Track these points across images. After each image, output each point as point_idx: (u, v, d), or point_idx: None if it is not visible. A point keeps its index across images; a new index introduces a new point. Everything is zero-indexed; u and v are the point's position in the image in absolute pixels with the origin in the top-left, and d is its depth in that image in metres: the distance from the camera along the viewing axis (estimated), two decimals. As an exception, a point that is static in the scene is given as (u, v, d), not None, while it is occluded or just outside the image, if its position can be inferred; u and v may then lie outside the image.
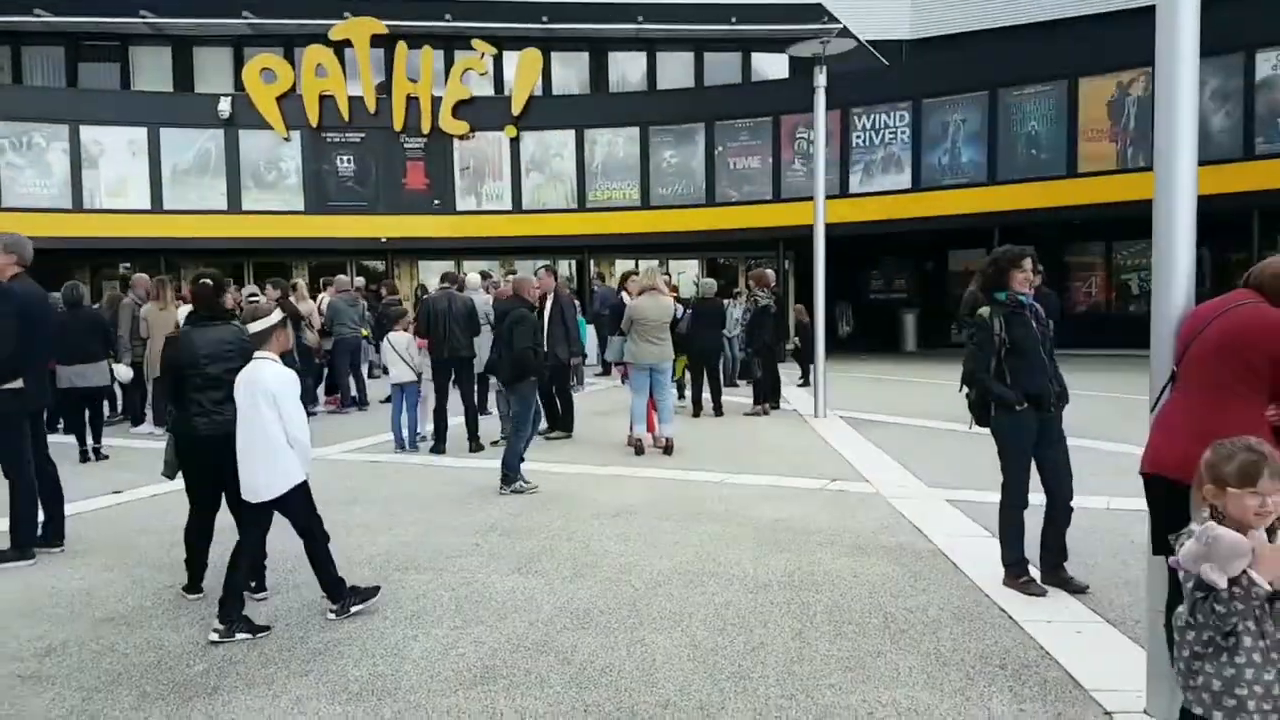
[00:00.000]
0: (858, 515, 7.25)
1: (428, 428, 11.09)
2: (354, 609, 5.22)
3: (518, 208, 23.51)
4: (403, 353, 10.60)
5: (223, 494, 5.65)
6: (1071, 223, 19.40)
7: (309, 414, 13.37)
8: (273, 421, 4.91)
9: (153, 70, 25.91)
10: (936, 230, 20.96)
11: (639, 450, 10.20)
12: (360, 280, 20.85)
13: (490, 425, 11.26)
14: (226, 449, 5.38)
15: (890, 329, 24.16)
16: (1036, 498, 5.52)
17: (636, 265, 24.21)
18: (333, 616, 5.17)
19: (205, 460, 5.50)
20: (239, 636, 4.87)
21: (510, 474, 8.36)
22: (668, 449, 10.11)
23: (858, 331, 24.64)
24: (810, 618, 5.04)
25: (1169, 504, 3.69)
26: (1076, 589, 5.35)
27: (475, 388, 11.31)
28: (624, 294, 12.00)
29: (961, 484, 8.25)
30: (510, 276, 14.61)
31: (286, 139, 23.27)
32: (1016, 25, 24.28)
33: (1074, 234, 21.47)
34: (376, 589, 5.40)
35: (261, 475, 5.00)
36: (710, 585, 5.61)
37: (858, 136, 20.67)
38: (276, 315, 5.21)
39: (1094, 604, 5.17)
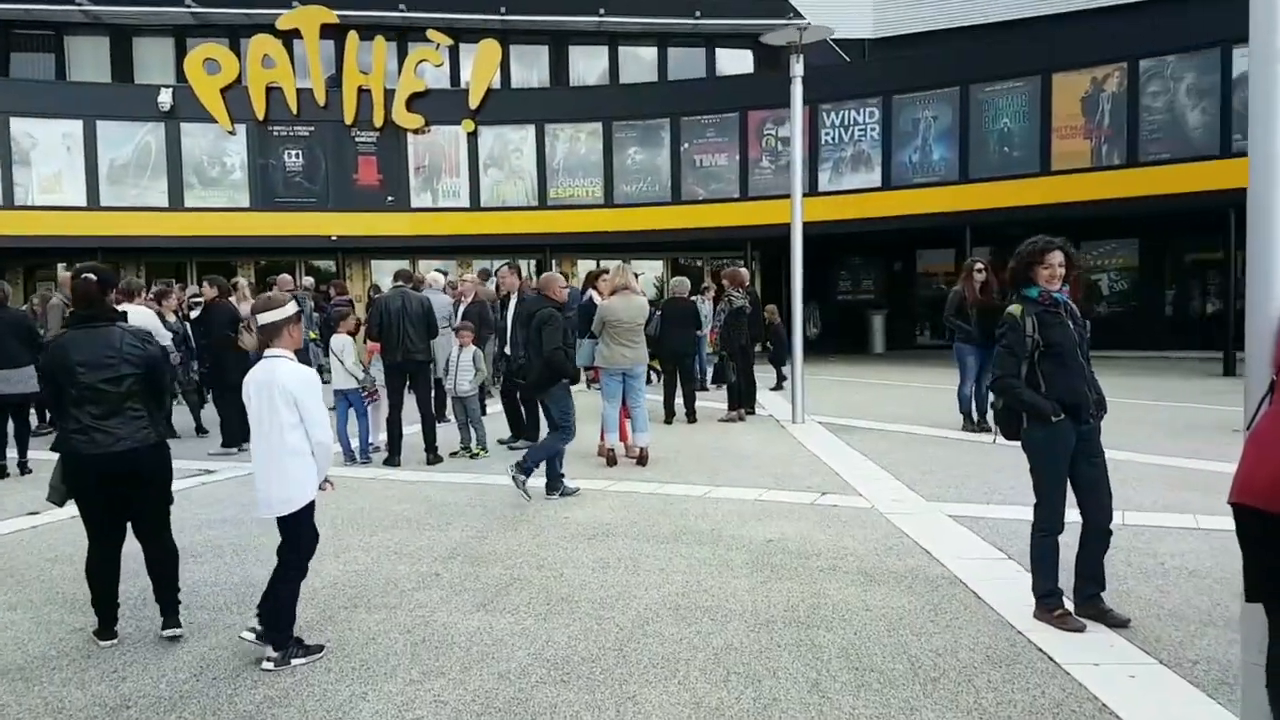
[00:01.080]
0: (856, 534, 6.61)
1: (380, 437, 10.34)
2: (295, 662, 4.48)
3: (475, 205, 22.68)
4: (339, 356, 9.83)
5: (127, 522, 4.96)
6: (1043, 222, 18.93)
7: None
8: (292, 427, 4.39)
9: (90, 60, 24.78)
10: (907, 230, 20.48)
11: (611, 461, 9.51)
12: (309, 280, 19.91)
13: (449, 434, 10.51)
14: (116, 471, 4.69)
15: (858, 330, 23.69)
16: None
17: (598, 265, 23.59)
18: (270, 666, 4.44)
19: (87, 482, 4.78)
20: (294, 662, 4.45)
21: (555, 481, 7.97)
22: (642, 459, 9.43)
23: (825, 333, 24.13)
24: (825, 663, 4.38)
25: (1263, 538, 3.10)
26: (1117, 622, 4.75)
27: (433, 394, 10.55)
28: (593, 294, 11.29)
29: (959, 497, 7.68)
30: (467, 277, 13.90)
31: (231, 133, 22.22)
32: (983, 24, 23.78)
33: (1044, 232, 21.07)
34: (321, 648, 4.64)
35: (276, 488, 4.45)
36: (705, 622, 4.93)
37: (826, 134, 20.11)
38: (291, 308, 4.62)
39: (1140, 640, 4.57)
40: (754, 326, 12.87)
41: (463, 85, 23.31)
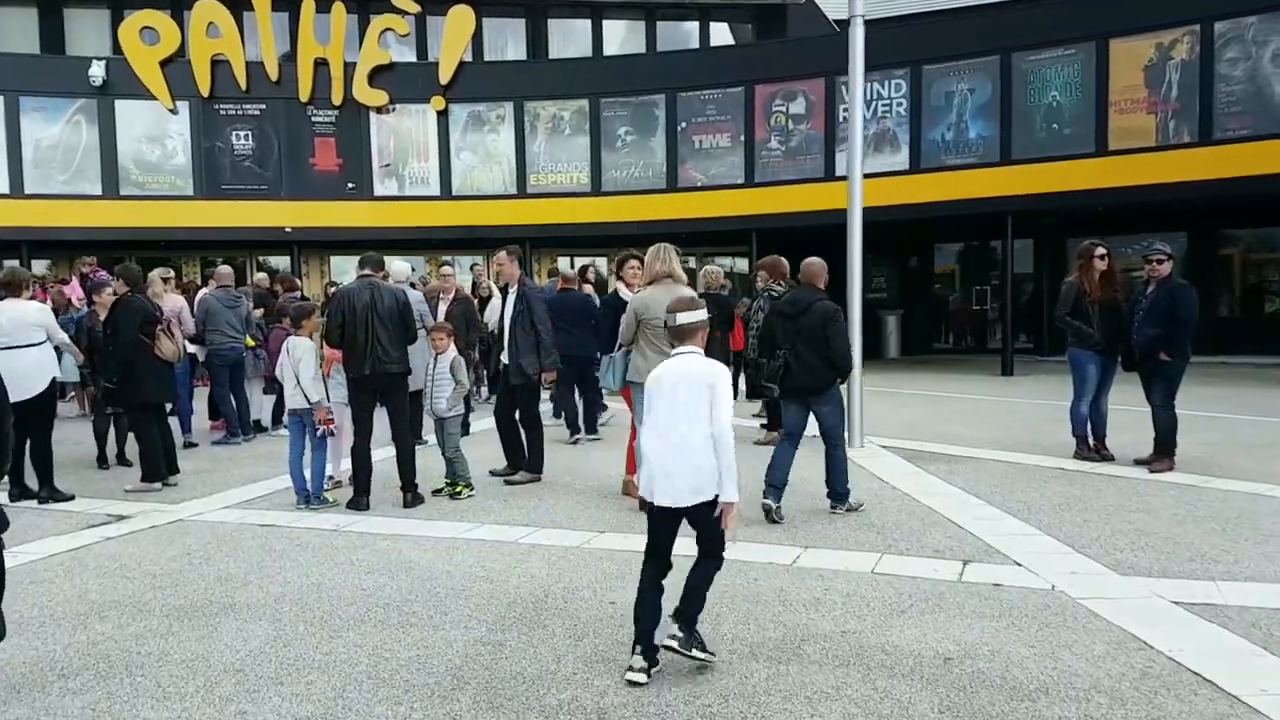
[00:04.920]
0: (1073, 644, 4.36)
1: (343, 468, 8.07)
2: (696, 654, 4.13)
3: (447, 193, 20.41)
4: (297, 366, 7.53)
5: None
6: (1096, 209, 16.89)
7: (188, 444, 10.29)
8: (705, 419, 4.17)
9: (15, 32, 22.38)
10: (938, 218, 18.36)
11: (645, 504, 7.23)
12: (261, 276, 17.49)
13: (429, 463, 8.20)
14: None
15: (870, 333, 21.44)
16: None
17: (573, 262, 21.33)
18: (673, 644, 4.10)
19: None
20: (695, 653, 4.13)
21: (843, 494, 7.16)
22: (687, 503, 7.17)
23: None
24: None
25: None
26: None
27: (410, 414, 8.23)
28: (619, 285, 8.94)
29: (1161, 568, 5.47)
30: (445, 270, 11.67)
31: (172, 111, 19.94)
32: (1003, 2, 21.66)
33: (1099, 222, 19.07)
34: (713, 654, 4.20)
35: (689, 477, 4.20)
36: None
37: (845, 110, 17.90)
38: (705, 311, 4.47)
39: None
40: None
41: (432, 59, 21.01)
